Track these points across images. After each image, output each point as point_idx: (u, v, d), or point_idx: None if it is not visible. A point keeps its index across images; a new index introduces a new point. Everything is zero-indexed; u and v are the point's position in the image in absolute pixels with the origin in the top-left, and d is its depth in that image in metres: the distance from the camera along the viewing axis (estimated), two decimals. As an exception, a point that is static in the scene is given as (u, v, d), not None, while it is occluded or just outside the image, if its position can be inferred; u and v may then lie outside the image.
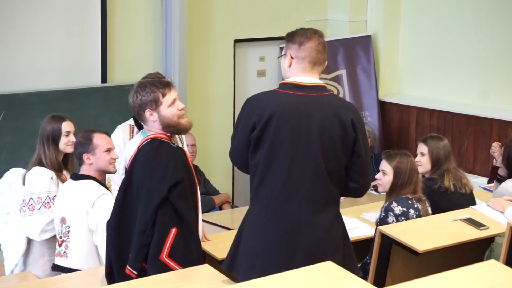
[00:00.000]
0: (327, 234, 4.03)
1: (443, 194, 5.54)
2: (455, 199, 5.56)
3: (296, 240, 4.01)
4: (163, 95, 4.26)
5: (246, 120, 4.05)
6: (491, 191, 6.40)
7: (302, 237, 4.00)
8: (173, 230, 4.16)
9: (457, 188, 5.59)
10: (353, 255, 4.22)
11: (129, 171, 4.28)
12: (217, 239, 5.10)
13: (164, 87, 4.28)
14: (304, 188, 3.99)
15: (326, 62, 4.14)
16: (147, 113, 4.25)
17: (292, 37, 4.09)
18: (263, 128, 3.99)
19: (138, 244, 4.15)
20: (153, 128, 4.30)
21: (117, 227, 4.28)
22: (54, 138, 5.22)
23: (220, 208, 7.60)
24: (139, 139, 4.33)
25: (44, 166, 5.18)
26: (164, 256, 4.15)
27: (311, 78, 4.04)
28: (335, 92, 9.01)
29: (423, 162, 5.69)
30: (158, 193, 4.13)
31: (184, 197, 4.23)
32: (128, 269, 4.19)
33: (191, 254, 4.21)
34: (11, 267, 5.26)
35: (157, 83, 4.28)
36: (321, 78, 4.12)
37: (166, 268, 4.13)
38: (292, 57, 4.07)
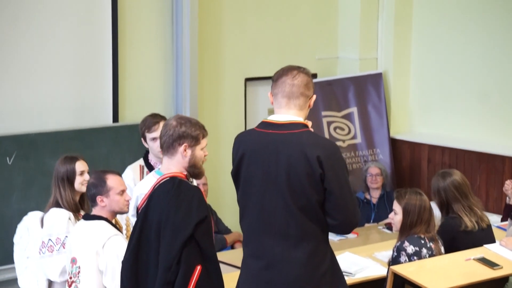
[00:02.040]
0: (305, 269, 4.02)
1: (466, 233, 5.51)
2: (475, 236, 5.52)
3: (273, 276, 4.04)
4: (203, 137, 4.36)
5: (232, 157, 4.22)
6: (504, 229, 6.35)
7: (278, 273, 4.03)
8: (198, 268, 4.16)
9: (478, 224, 5.56)
10: None
11: (144, 210, 4.26)
12: (228, 279, 5.05)
13: (205, 131, 4.40)
14: (276, 224, 4.03)
15: (314, 97, 4.12)
16: (183, 146, 4.28)
17: (273, 76, 4.17)
18: (237, 166, 4.15)
19: (163, 282, 4.13)
20: (176, 163, 4.30)
21: (134, 265, 4.26)
22: (69, 179, 5.23)
23: (232, 247, 7.57)
24: (152, 178, 4.33)
25: (61, 207, 5.18)
26: None
27: (285, 116, 4.07)
28: (346, 130, 9.00)
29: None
30: (184, 230, 4.13)
31: (208, 234, 4.24)
32: None
33: None
34: (33, 311, 5.25)
35: (201, 125, 4.39)
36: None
37: None
38: (271, 95, 4.15)
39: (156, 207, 4.21)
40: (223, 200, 8.25)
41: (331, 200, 3.98)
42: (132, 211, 4.45)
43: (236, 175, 4.18)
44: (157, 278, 4.16)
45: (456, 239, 5.47)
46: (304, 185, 3.96)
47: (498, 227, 6.65)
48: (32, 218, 5.45)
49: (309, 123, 4.17)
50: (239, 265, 6.15)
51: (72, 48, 7.40)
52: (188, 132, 4.31)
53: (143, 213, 4.26)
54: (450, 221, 5.55)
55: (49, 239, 5.13)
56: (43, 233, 5.18)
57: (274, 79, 4.14)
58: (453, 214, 5.59)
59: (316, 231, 4.05)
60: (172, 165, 4.30)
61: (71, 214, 5.18)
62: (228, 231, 7.74)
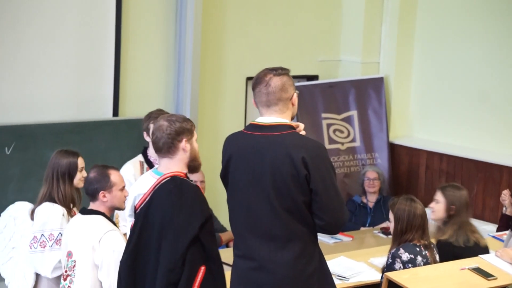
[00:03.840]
0: (292, 270, 4.03)
1: (456, 248, 5.49)
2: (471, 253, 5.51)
3: (261, 277, 4.06)
4: (194, 129, 4.32)
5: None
6: (500, 239, 6.34)
7: (265, 274, 4.05)
8: (202, 268, 4.14)
9: (468, 242, 5.54)
10: None
11: (144, 211, 4.23)
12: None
13: (192, 122, 4.35)
14: (262, 226, 4.05)
15: (295, 95, 4.11)
16: (183, 142, 4.22)
17: (252, 84, 4.18)
18: (225, 168, 4.20)
19: (166, 283, 4.11)
20: (178, 162, 4.25)
21: (132, 266, 4.24)
22: (70, 173, 5.17)
23: (227, 246, 7.57)
24: (150, 178, 4.30)
25: (55, 202, 5.14)
26: None
27: (270, 118, 4.09)
28: (346, 133, 9.00)
29: (436, 209, 5.65)
30: (188, 231, 4.11)
31: (212, 234, 4.23)
32: None
33: None
34: (18, 303, 5.22)
35: (187, 118, 4.35)
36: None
37: None
38: (254, 102, 4.19)
39: (158, 208, 4.19)
40: (219, 198, 8.23)
41: (317, 201, 3.99)
42: (129, 211, 4.37)
43: (224, 176, 4.22)
44: (158, 279, 4.13)
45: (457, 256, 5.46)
46: (290, 187, 3.97)
47: (494, 236, 6.66)
48: (19, 208, 5.39)
49: (301, 126, 4.18)
50: (233, 264, 6.22)
51: (74, 42, 7.40)
52: (183, 126, 4.27)
53: (143, 214, 4.22)
54: (442, 244, 5.55)
55: (42, 235, 5.08)
56: (35, 228, 5.11)
57: (252, 87, 4.16)
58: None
59: (303, 232, 4.06)
60: (173, 164, 4.27)
61: (64, 210, 5.13)
62: (223, 229, 7.74)
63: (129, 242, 4.30)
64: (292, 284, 4.04)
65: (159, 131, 4.26)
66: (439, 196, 5.70)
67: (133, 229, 4.30)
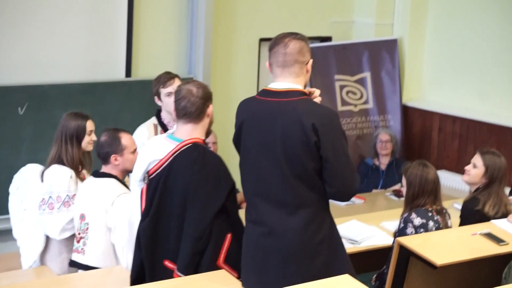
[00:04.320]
0: (300, 237, 4.02)
1: (485, 218, 5.40)
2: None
3: (269, 242, 4.05)
4: None
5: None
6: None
7: (274, 239, 4.04)
8: (229, 236, 4.23)
9: (497, 213, 5.44)
10: (344, 260, 4.19)
11: (163, 178, 4.23)
12: None
13: None
14: (273, 192, 4.02)
15: (310, 61, 4.10)
16: (210, 107, 4.31)
17: (268, 46, 4.14)
18: (237, 133, 4.16)
19: (192, 251, 4.16)
20: (201, 128, 4.31)
21: (152, 233, 4.25)
22: (78, 136, 5.16)
23: (239, 207, 7.58)
24: (166, 143, 4.29)
25: (63, 164, 5.15)
26: (221, 262, 4.23)
27: (283, 83, 4.05)
28: (358, 94, 8.97)
29: (472, 173, 5.57)
30: (216, 200, 4.16)
31: (235, 202, 4.31)
32: (179, 275, 4.20)
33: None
34: (29, 264, 5.25)
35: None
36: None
37: None
38: (269, 65, 4.13)
39: (179, 175, 4.19)
40: (232, 161, 8.19)
41: (327, 168, 3.97)
42: (140, 176, 4.36)
43: (236, 142, 4.20)
44: (183, 248, 4.17)
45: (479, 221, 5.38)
46: (300, 153, 3.95)
47: None
48: (31, 170, 5.41)
49: (317, 92, 4.16)
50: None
51: (88, 2, 7.37)
52: (208, 91, 4.35)
53: (163, 180, 4.23)
54: (467, 204, 5.51)
55: (50, 197, 5.11)
56: (43, 190, 5.14)
57: (269, 48, 4.12)
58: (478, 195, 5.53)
59: (314, 199, 4.04)
60: (196, 130, 4.29)
61: (73, 172, 5.13)
62: (236, 191, 7.74)
63: (147, 208, 4.28)
64: (301, 250, 4.03)
65: (190, 95, 4.26)
66: (478, 160, 5.56)
67: (150, 195, 4.29)
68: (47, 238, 5.24)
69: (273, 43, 4.09)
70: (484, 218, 5.39)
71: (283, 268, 4.04)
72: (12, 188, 5.45)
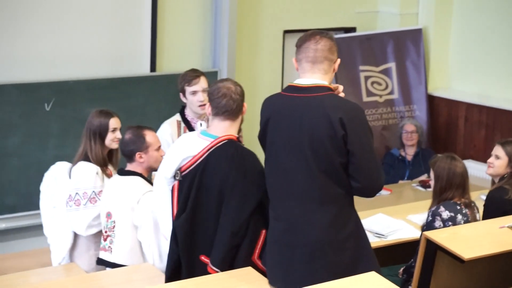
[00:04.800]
0: (326, 233, 4.02)
1: None
2: None
3: (294, 238, 4.05)
4: None
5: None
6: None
7: (299, 235, 4.04)
8: (263, 232, 4.24)
9: None
10: (370, 257, 4.18)
11: (199, 174, 4.25)
12: None
13: None
14: (299, 188, 4.03)
15: (338, 61, 4.14)
16: (245, 105, 4.38)
17: (296, 42, 4.16)
18: (263, 129, 4.17)
19: (229, 246, 4.19)
20: (236, 125, 4.35)
21: (190, 229, 4.28)
22: (101, 134, 5.21)
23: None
24: (200, 140, 4.31)
25: (90, 161, 5.19)
26: (256, 257, 4.25)
27: (309, 79, 4.06)
28: (384, 85, 8.94)
29: (496, 165, 5.55)
30: (254, 196, 4.19)
31: (268, 198, 4.28)
32: (214, 269, 4.23)
33: None
34: (58, 260, 5.30)
35: None
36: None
37: (256, 270, 4.23)
38: (296, 61, 4.15)
39: (216, 171, 4.22)
40: (258, 153, 8.26)
41: (354, 162, 3.97)
42: (172, 172, 4.35)
43: (262, 138, 4.21)
44: (219, 242, 4.20)
45: (507, 212, 5.34)
46: (327, 148, 3.95)
47: None
48: (60, 168, 5.46)
49: (340, 88, 4.19)
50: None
51: (112, -2, 7.41)
52: (243, 90, 4.40)
53: (199, 176, 4.25)
54: (493, 193, 5.48)
55: (76, 193, 5.15)
56: (70, 186, 5.19)
57: (297, 45, 4.13)
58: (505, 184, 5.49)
59: (340, 195, 4.04)
60: (232, 127, 4.32)
61: (99, 169, 5.18)
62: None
63: (183, 204, 4.30)
64: (328, 246, 4.02)
65: (232, 93, 4.31)
66: (499, 151, 5.56)
67: (185, 191, 4.29)
68: (75, 235, 5.28)
69: (303, 39, 4.11)
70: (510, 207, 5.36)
71: (309, 264, 4.04)
72: (42, 186, 5.51)
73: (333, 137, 3.93)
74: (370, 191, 4.11)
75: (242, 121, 4.42)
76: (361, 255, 4.12)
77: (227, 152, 4.22)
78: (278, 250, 4.12)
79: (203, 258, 4.30)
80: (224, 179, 4.19)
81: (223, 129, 4.31)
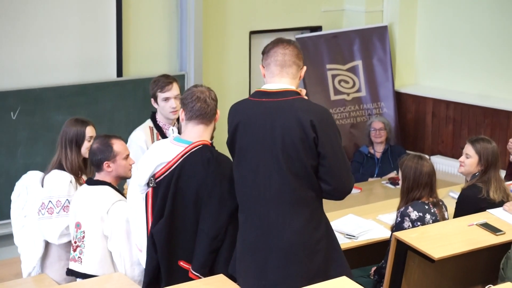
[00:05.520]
0: (299, 236, 4.05)
1: (491, 204, 5.38)
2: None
3: (268, 243, 4.08)
4: None
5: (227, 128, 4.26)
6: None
7: (273, 240, 4.07)
8: None
9: (503, 201, 5.43)
10: (341, 259, 4.22)
11: (175, 179, 4.26)
12: None
13: None
14: (271, 191, 4.07)
15: (304, 68, 4.20)
16: (218, 112, 4.39)
17: (263, 50, 4.21)
18: (232, 135, 4.19)
19: (209, 250, 4.23)
20: (210, 130, 4.38)
21: (169, 235, 4.29)
22: (77, 142, 5.17)
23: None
24: (173, 146, 4.32)
25: (64, 169, 5.16)
26: None
27: (278, 84, 4.11)
28: (351, 83, 8.98)
29: (466, 163, 5.58)
30: (232, 200, 4.22)
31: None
32: (195, 274, 4.26)
33: None
34: (28, 270, 5.26)
35: None
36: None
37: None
38: (263, 66, 4.19)
39: (192, 176, 4.24)
40: (227, 155, 8.25)
41: (324, 165, 4.01)
42: (145, 179, 4.36)
43: (231, 144, 4.22)
44: (199, 247, 4.24)
45: (480, 210, 5.38)
46: (299, 151, 3.99)
47: None
48: (31, 177, 5.42)
49: (303, 92, 4.22)
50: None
51: (76, 3, 7.36)
52: (217, 97, 4.42)
53: (174, 181, 4.25)
54: (466, 192, 5.51)
55: (49, 201, 5.11)
56: (43, 195, 5.15)
57: (265, 51, 4.17)
58: (477, 182, 5.52)
59: (311, 198, 4.08)
60: (206, 132, 4.35)
61: (72, 178, 5.15)
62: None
63: (160, 210, 4.31)
64: (300, 249, 4.06)
65: (206, 97, 4.33)
66: (469, 150, 5.57)
67: (160, 197, 4.30)
68: (47, 244, 5.25)
69: (271, 45, 4.16)
70: (490, 205, 5.40)
71: (283, 268, 4.06)
72: (13, 196, 5.46)
73: (304, 140, 3.97)
74: (341, 194, 4.14)
75: (214, 128, 4.42)
76: (332, 257, 4.16)
77: (203, 157, 4.24)
78: (252, 256, 4.13)
79: (182, 263, 4.32)
80: (201, 183, 4.22)
81: (196, 134, 4.32)
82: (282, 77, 4.11)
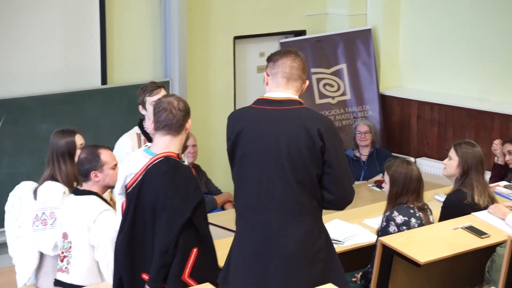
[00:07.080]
0: (301, 245, 4.06)
1: (476, 210, 5.41)
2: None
3: (269, 251, 4.08)
4: None
5: (227, 135, 4.22)
6: (504, 196, 6.19)
7: (275, 247, 4.07)
8: (195, 250, 4.23)
9: (489, 205, 5.44)
10: (339, 269, 4.24)
11: (137, 191, 4.26)
12: (223, 245, 4.74)
13: None
14: (274, 199, 4.07)
15: (307, 82, 4.22)
16: (189, 121, 4.35)
17: (270, 57, 4.21)
18: (234, 142, 4.16)
19: (159, 264, 4.19)
20: (179, 141, 4.34)
21: (129, 247, 4.29)
22: (70, 153, 5.16)
23: (222, 208, 7.60)
24: (142, 157, 4.33)
25: (57, 181, 5.17)
26: (186, 276, 4.21)
27: (284, 93, 4.12)
28: (336, 86, 9.00)
29: (447, 165, 5.61)
30: (182, 214, 4.17)
31: (204, 217, 4.31)
32: None
33: (210, 273, 4.29)
34: (23, 281, 5.26)
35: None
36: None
37: None
38: (268, 74, 4.19)
39: (150, 188, 4.22)
40: (213, 161, 8.26)
41: (330, 173, 4.03)
42: (119, 189, 4.41)
43: (232, 152, 4.20)
44: (153, 261, 4.20)
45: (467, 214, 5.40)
46: (305, 159, 4.00)
47: (497, 193, 6.53)
48: (24, 187, 5.42)
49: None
50: (231, 227, 6.23)
51: (59, 12, 7.36)
52: (189, 106, 4.39)
53: (136, 194, 4.26)
54: (452, 197, 5.53)
55: (43, 213, 5.11)
56: (37, 206, 5.15)
57: (272, 59, 4.17)
58: (461, 187, 5.54)
59: (314, 207, 4.10)
60: (173, 143, 4.32)
61: (66, 189, 5.14)
62: (218, 191, 7.77)
63: (123, 222, 4.33)
64: (302, 258, 4.06)
65: (172, 107, 4.29)
66: (452, 152, 5.61)
67: (126, 209, 4.33)
68: (41, 255, 5.25)
69: (280, 54, 4.16)
70: (475, 210, 5.42)
71: (284, 277, 4.07)
72: (7, 207, 5.46)
73: (311, 148, 4.00)
74: (342, 203, 4.17)
75: (186, 139, 4.41)
76: (331, 268, 4.18)
77: (160, 170, 4.22)
78: (250, 264, 4.13)
79: (145, 276, 4.30)
80: (156, 196, 4.21)
81: (163, 145, 4.31)
82: (287, 89, 4.13)
